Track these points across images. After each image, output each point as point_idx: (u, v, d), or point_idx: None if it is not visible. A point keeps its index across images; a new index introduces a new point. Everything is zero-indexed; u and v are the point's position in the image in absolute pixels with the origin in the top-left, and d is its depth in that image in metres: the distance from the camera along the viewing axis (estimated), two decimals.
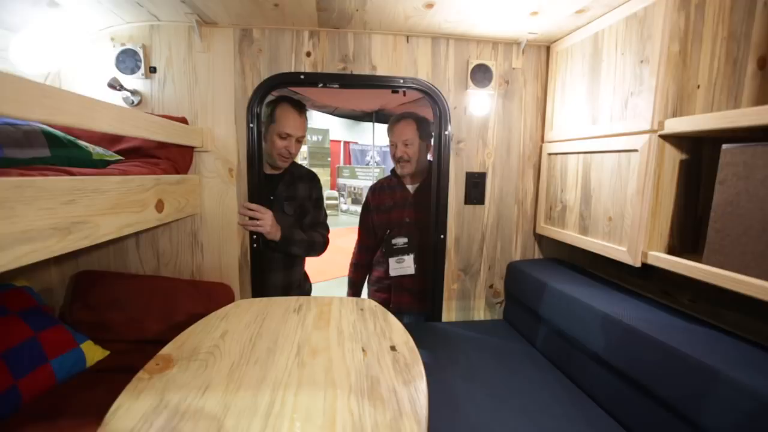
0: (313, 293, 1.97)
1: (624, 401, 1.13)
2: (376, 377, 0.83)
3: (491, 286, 1.91)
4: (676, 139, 1.16)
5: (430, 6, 1.38)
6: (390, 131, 1.88)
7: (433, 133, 1.81)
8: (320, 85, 1.67)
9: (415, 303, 1.91)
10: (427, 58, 1.70)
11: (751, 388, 0.79)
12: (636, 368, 1.07)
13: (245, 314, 1.14)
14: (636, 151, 1.22)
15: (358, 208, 10.26)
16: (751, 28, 1.17)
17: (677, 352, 0.96)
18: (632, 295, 1.37)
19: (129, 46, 1.53)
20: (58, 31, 1.44)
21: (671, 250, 1.21)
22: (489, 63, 1.70)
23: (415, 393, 0.78)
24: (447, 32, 1.65)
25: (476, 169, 1.80)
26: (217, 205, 1.66)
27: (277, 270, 1.77)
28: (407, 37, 1.67)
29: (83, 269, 1.63)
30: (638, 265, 1.22)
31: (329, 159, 11.06)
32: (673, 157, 1.18)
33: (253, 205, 1.62)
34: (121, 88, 1.52)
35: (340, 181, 11.14)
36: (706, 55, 1.16)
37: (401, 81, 1.69)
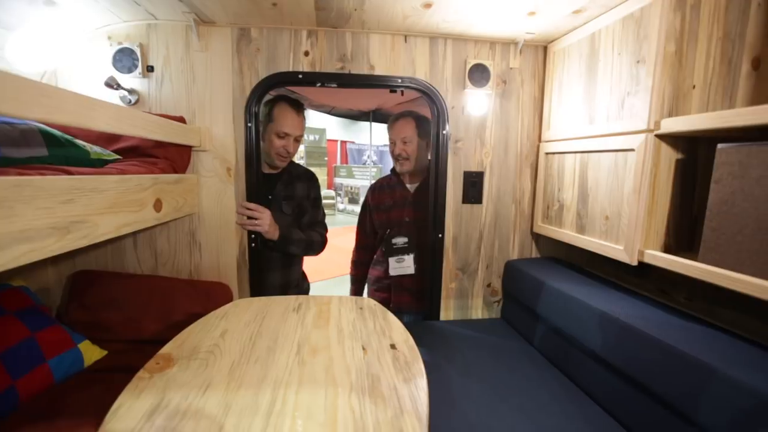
0: (311, 293, 1.97)
1: (621, 399, 1.14)
2: (376, 375, 0.83)
3: (489, 285, 1.92)
4: (672, 139, 1.18)
5: (428, 6, 1.39)
6: (390, 129, 1.89)
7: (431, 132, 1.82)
8: (318, 84, 1.67)
9: (415, 302, 1.92)
10: (425, 58, 1.70)
11: (748, 386, 0.80)
12: (633, 366, 1.08)
13: (245, 313, 1.14)
14: (632, 150, 1.23)
15: (355, 208, 10.28)
16: (746, 28, 1.18)
17: (674, 349, 0.97)
18: (629, 294, 1.38)
19: (126, 44, 1.52)
20: (55, 30, 1.44)
21: (667, 249, 1.22)
22: (487, 63, 1.71)
23: (415, 390, 0.79)
24: (445, 32, 1.65)
25: (474, 168, 1.81)
26: (215, 204, 1.66)
27: (275, 269, 1.77)
28: (405, 36, 1.68)
29: (80, 269, 1.62)
30: (635, 263, 1.23)
31: (326, 158, 11.04)
32: (669, 156, 1.19)
33: (252, 205, 1.62)
34: (118, 87, 1.51)
35: (337, 180, 11.14)
36: (701, 55, 1.17)
37: (399, 80, 1.69)
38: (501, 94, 1.79)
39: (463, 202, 1.82)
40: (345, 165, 11.91)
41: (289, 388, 0.78)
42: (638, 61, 1.22)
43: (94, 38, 1.54)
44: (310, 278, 2.01)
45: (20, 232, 0.71)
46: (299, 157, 9.78)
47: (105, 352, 1.41)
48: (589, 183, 1.46)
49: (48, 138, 1.02)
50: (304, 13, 1.48)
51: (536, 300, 1.56)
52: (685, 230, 1.24)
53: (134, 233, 1.61)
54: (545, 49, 1.77)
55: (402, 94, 2.60)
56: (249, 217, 1.62)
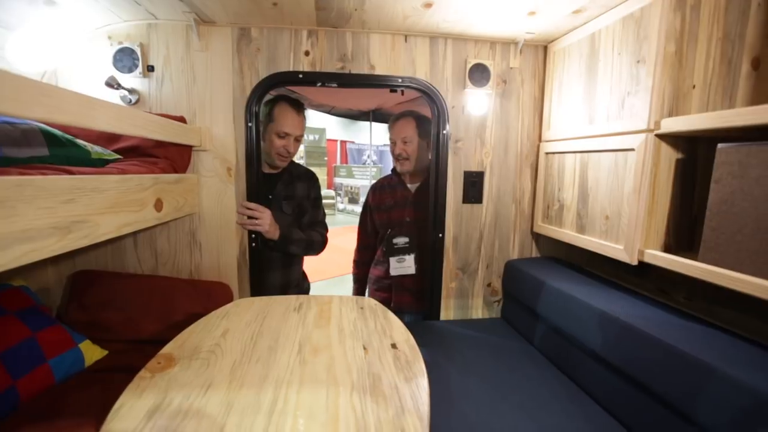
0: (311, 292, 1.97)
1: (621, 398, 1.14)
2: (377, 374, 0.83)
3: (489, 285, 1.92)
4: (672, 139, 1.18)
5: (428, 6, 1.39)
6: (390, 129, 1.89)
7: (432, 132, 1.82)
8: (319, 84, 1.67)
9: (416, 302, 1.92)
10: (425, 58, 1.71)
11: (748, 385, 0.80)
12: (633, 365, 1.09)
13: (246, 313, 1.14)
14: (632, 150, 1.23)
15: (355, 208, 10.28)
16: (746, 28, 1.19)
17: (674, 349, 0.97)
18: (629, 293, 1.38)
19: (126, 44, 1.52)
20: (55, 30, 1.44)
21: (667, 249, 1.22)
22: (487, 62, 1.71)
23: (416, 390, 0.79)
24: (445, 32, 1.65)
25: (474, 168, 1.81)
26: (215, 204, 1.66)
27: (275, 269, 1.77)
28: (405, 36, 1.68)
29: (80, 269, 1.62)
30: (635, 263, 1.23)
31: (326, 158, 11.04)
32: (669, 156, 1.19)
33: (252, 204, 1.62)
34: (119, 86, 1.51)
35: (337, 180, 11.14)
36: (701, 55, 1.17)
37: (399, 80, 1.69)
38: (501, 94, 1.79)
39: (464, 201, 1.82)
40: (345, 165, 11.91)
41: (291, 388, 0.78)
42: (638, 61, 1.22)
43: (95, 38, 1.54)
44: (310, 278, 2.01)
45: (22, 232, 0.71)
46: (299, 157, 9.78)
47: (105, 352, 1.41)
48: (589, 183, 1.46)
49: (49, 138, 1.02)
50: (305, 13, 1.48)
51: (536, 300, 1.56)
52: (685, 230, 1.24)
53: (134, 233, 1.62)
54: (545, 48, 1.77)
55: (402, 94, 2.60)
56: (249, 217, 1.62)
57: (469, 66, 1.71)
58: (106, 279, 1.58)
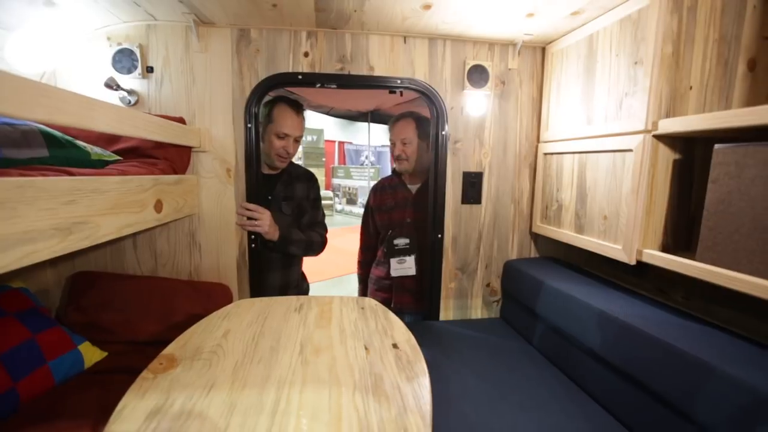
0: (310, 293, 1.97)
1: (621, 397, 1.15)
2: (379, 374, 0.84)
3: (488, 285, 1.93)
4: (670, 139, 1.19)
5: (427, 7, 1.40)
6: (390, 130, 1.90)
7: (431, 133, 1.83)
8: (318, 85, 1.67)
9: (416, 303, 1.92)
10: (424, 59, 1.71)
11: (746, 383, 0.81)
12: (632, 364, 1.09)
13: (247, 314, 1.14)
14: (630, 150, 1.24)
15: (353, 208, 10.27)
16: (741, 30, 1.20)
17: (673, 348, 0.98)
18: (627, 293, 1.39)
19: (126, 45, 1.52)
20: (54, 31, 1.43)
21: (665, 248, 1.23)
22: (485, 64, 1.72)
23: (418, 389, 0.79)
24: (444, 33, 1.66)
25: (473, 168, 1.82)
26: (215, 205, 1.66)
27: (275, 270, 1.77)
28: (404, 37, 1.68)
29: (80, 270, 1.61)
30: (633, 263, 1.24)
31: (324, 159, 11.03)
32: (667, 156, 1.20)
33: (252, 205, 1.62)
34: (118, 87, 1.51)
35: (335, 181, 11.13)
36: (698, 56, 1.18)
37: (398, 81, 1.70)
38: (500, 95, 1.80)
39: (463, 202, 1.83)
40: (343, 166, 11.90)
41: (293, 388, 0.78)
42: (636, 63, 1.23)
43: (94, 39, 1.54)
44: (309, 279, 2.01)
45: (23, 233, 0.71)
46: (297, 158, 9.77)
47: (105, 354, 1.41)
48: (588, 183, 1.47)
49: (49, 139, 1.02)
50: (304, 14, 1.48)
51: (535, 299, 1.57)
52: (682, 230, 1.25)
53: (134, 234, 1.61)
54: (543, 50, 1.78)
55: (401, 95, 2.61)
56: (249, 218, 1.62)
57: (467, 67, 1.72)
58: (105, 280, 1.58)
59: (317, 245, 1.77)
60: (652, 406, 1.04)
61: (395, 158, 1.88)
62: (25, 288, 1.40)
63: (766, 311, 1.07)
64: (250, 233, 1.68)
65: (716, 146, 1.00)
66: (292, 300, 1.26)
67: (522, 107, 1.82)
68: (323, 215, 1.90)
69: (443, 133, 1.75)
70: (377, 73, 1.69)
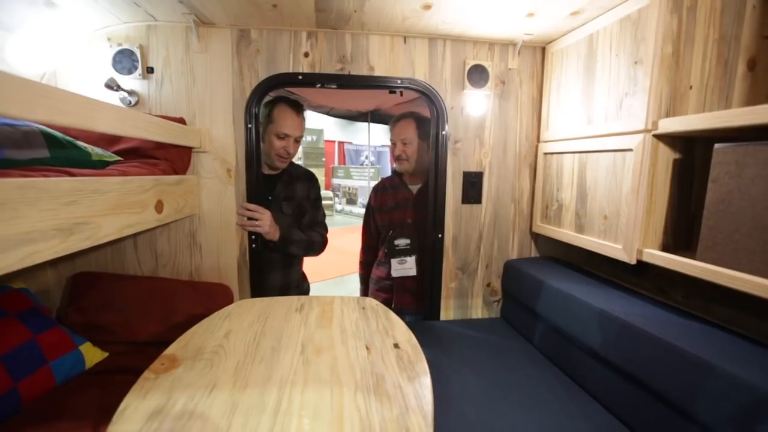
0: (311, 293, 1.97)
1: (621, 396, 1.15)
2: (381, 374, 0.84)
3: (489, 285, 1.93)
4: (670, 139, 1.19)
5: (427, 7, 1.40)
6: (391, 130, 1.90)
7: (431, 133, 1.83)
8: (318, 85, 1.67)
9: (417, 303, 1.93)
10: (424, 59, 1.71)
11: (746, 382, 0.81)
12: (633, 363, 1.10)
13: (248, 314, 1.14)
14: (630, 150, 1.25)
15: (353, 209, 10.27)
16: (741, 30, 1.20)
17: (673, 347, 0.98)
18: (627, 292, 1.40)
19: (126, 46, 1.52)
20: (55, 31, 1.43)
21: (665, 248, 1.23)
22: (485, 64, 1.72)
23: (420, 389, 0.80)
24: (444, 33, 1.66)
25: (473, 168, 1.82)
26: (215, 205, 1.66)
27: (275, 270, 1.77)
28: (405, 37, 1.69)
29: (80, 270, 1.61)
30: (633, 262, 1.24)
31: (324, 159, 11.03)
32: (667, 156, 1.20)
33: (252, 206, 1.62)
34: (119, 88, 1.51)
35: (335, 181, 11.13)
36: (698, 56, 1.18)
37: (399, 81, 1.70)
38: (500, 95, 1.80)
39: (463, 202, 1.83)
40: (343, 166, 11.90)
41: (295, 388, 0.78)
42: (636, 62, 1.24)
43: (94, 39, 1.54)
44: (309, 279, 2.01)
45: (25, 234, 0.71)
46: (297, 158, 9.75)
47: (106, 354, 1.41)
48: (588, 183, 1.47)
49: (49, 139, 1.02)
50: (304, 15, 1.48)
51: (536, 299, 1.57)
52: (682, 229, 1.25)
53: (134, 235, 1.61)
54: (543, 50, 1.78)
55: (401, 95, 2.61)
56: (249, 218, 1.62)
57: (467, 67, 1.72)
58: (105, 281, 1.58)
59: (318, 245, 1.78)
60: (653, 405, 1.04)
61: (396, 158, 1.89)
62: (25, 288, 1.40)
63: (767, 310, 1.07)
64: (250, 233, 1.68)
65: (716, 146, 1.00)
66: (293, 300, 1.26)
67: (522, 107, 1.82)
68: (324, 215, 1.90)
69: (443, 133, 1.75)
70: (377, 73, 1.69)
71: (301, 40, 1.63)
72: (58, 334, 1.30)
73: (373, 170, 10.46)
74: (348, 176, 10.86)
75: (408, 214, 1.91)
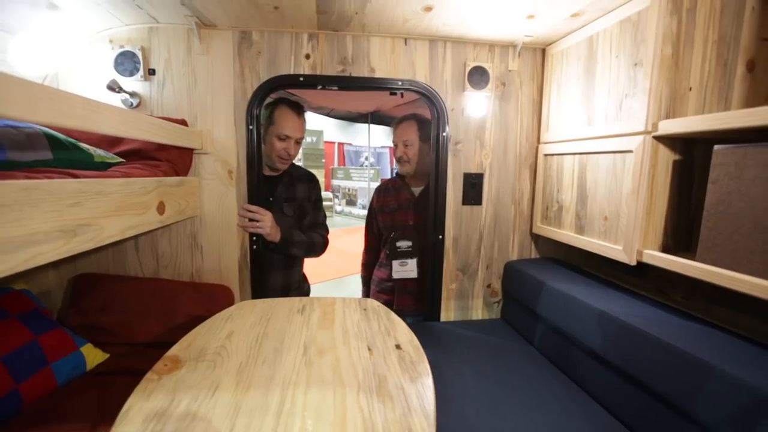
0: (311, 294, 1.97)
1: (622, 397, 1.15)
2: (383, 375, 0.84)
3: (489, 286, 1.93)
4: (670, 140, 1.20)
5: (428, 9, 1.40)
6: (393, 131, 1.91)
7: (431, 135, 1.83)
8: (319, 87, 1.68)
9: (418, 305, 1.93)
10: (424, 61, 1.72)
11: (746, 383, 0.82)
12: (633, 364, 1.10)
13: (250, 315, 1.14)
14: (630, 151, 1.25)
15: (353, 210, 10.27)
16: (740, 31, 1.21)
17: (673, 348, 0.99)
18: (627, 293, 1.40)
19: (128, 48, 1.53)
20: (57, 33, 1.44)
21: (665, 249, 1.24)
22: (486, 65, 1.73)
23: (422, 389, 0.80)
24: (444, 35, 1.67)
25: (474, 170, 1.83)
26: (216, 207, 1.66)
27: (276, 271, 1.77)
28: (405, 39, 1.69)
29: (81, 272, 1.62)
30: (633, 263, 1.25)
31: (323, 160, 11.04)
32: (667, 157, 1.21)
33: (253, 207, 1.62)
34: (120, 90, 1.51)
35: (335, 182, 11.13)
36: (697, 58, 1.19)
37: (399, 83, 1.71)
38: (500, 96, 1.80)
39: (463, 203, 1.84)
40: (342, 167, 11.90)
41: (298, 389, 0.78)
42: (636, 64, 1.24)
43: (96, 41, 1.55)
44: (308, 280, 2.01)
45: (30, 235, 0.72)
46: (296, 159, 9.75)
47: (107, 356, 1.42)
48: (588, 184, 1.48)
49: (52, 141, 1.03)
50: (306, 17, 1.49)
51: (536, 300, 1.58)
52: (682, 230, 1.26)
53: (136, 236, 1.62)
54: (543, 51, 1.79)
55: (402, 96, 2.62)
56: (250, 220, 1.62)
57: (468, 69, 1.72)
58: (107, 282, 1.58)
59: (319, 246, 1.78)
60: (653, 405, 1.04)
61: (397, 160, 1.89)
62: (27, 290, 1.40)
63: (766, 311, 1.07)
64: (251, 235, 1.68)
65: (716, 147, 1.00)
66: (294, 301, 1.27)
67: (522, 108, 1.83)
68: (324, 216, 1.91)
69: (444, 134, 1.75)
70: (378, 74, 1.70)
71: (303, 42, 1.63)
72: (59, 336, 1.30)
73: (372, 171, 10.47)
74: (348, 177, 10.86)
75: (410, 215, 1.91)
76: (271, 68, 1.63)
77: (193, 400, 0.74)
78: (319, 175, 10.42)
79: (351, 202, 10.52)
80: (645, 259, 1.21)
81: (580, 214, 1.53)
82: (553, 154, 1.72)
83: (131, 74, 1.54)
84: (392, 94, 1.86)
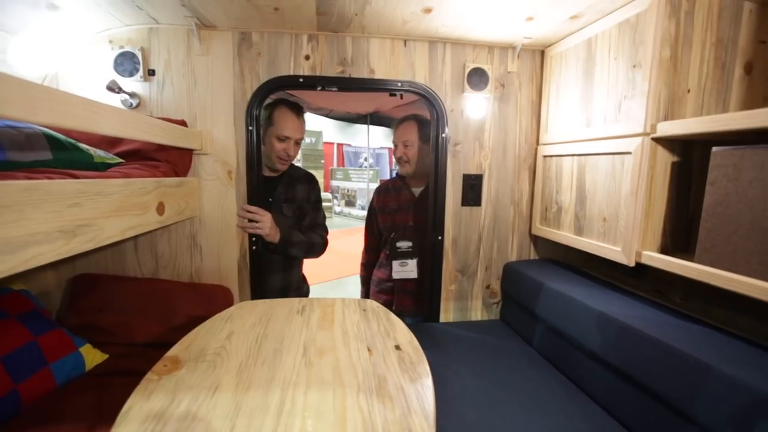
0: (310, 295, 1.97)
1: (620, 397, 1.16)
2: (383, 375, 0.84)
3: (488, 287, 1.93)
4: (668, 142, 1.20)
5: (428, 11, 1.41)
6: (394, 132, 1.92)
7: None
8: (319, 88, 1.68)
9: (417, 305, 1.93)
10: (424, 62, 1.73)
11: (745, 383, 0.82)
12: (631, 365, 1.10)
13: (249, 316, 1.14)
14: (629, 153, 1.26)
15: (352, 210, 10.27)
16: (738, 34, 1.22)
17: (672, 348, 0.99)
18: (626, 294, 1.40)
19: (127, 48, 1.53)
20: (57, 34, 1.44)
21: (664, 250, 1.24)
22: (485, 67, 1.74)
23: (421, 390, 0.80)
24: (444, 36, 1.67)
25: (473, 171, 1.83)
26: (216, 207, 1.66)
27: (275, 272, 1.77)
28: (405, 41, 1.70)
29: (80, 272, 1.61)
30: (632, 264, 1.25)
31: (322, 161, 11.04)
32: (665, 159, 1.21)
33: (253, 208, 1.62)
34: (120, 90, 1.51)
35: (334, 183, 11.13)
36: (695, 60, 1.20)
37: (399, 84, 1.71)
38: (499, 98, 1.81)
39: (463, 204, 1.84)
40: (342, 168, 11.91)
41: (298, 389, 0.79)
42: (634, 66, 1.25)
43: (96, 42, 1.55)
44: (307, 281, 2.01)
45: (30, 236, 0.72)
46: (295, 160, 9.74)
47: (106, 356, 1.41)
48: (587, 185, 1.48)
49: (52, 142, 1.03)
50: (305, 18, 1.49)
51: (535, 301, 1.58)
52: (681, 231, 1.26)
53: (135, 236, 1.61)
54: (542, 53, 1.79)
55: (401, 98, 2.62)
56: (250, 220, 1.62)
57: (467, 70, 1.73)
58: (106, 282, 1.58)
59: (318, 247, 1.78)
60: (652, 406, 1.04)
61: (397, 160, 1.90)
62: (26, 290, 1.40)
63: (764, 312, 1.08)
64: (251, 235, 1.68)
65: (714, 149, 1.01)
66: (294, 302, 1.27)
67: (521, 110, 1.84)
68: (324, 217, 1.91)
69: (443, 135, 1.76)
70: (378, 76, 1.70)
71: (302, 43, 1.64)
72: (58, 336, 1.30)
73: (371, 172, 10.47)
74: (347, 178, 10.86)
75: (410, 216, 1.92)
76: (270, 69, 1.63)
77: (193, 401, 0.74)
78: (318, 175, 10.41)
79: (350, 203, 10.52)
80: (644, 261, 1.22)
81: (579, 216, 1.54)
82: (552, 156, 1.72)
83: (131, 75, 1.54)
84: (392, 95, 1.86)
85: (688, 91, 1.20)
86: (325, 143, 11.66)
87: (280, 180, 1.76)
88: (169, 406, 0.72)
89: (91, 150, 1.17)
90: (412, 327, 1.18)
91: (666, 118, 1.19)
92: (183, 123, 1.57)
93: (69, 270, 1.62)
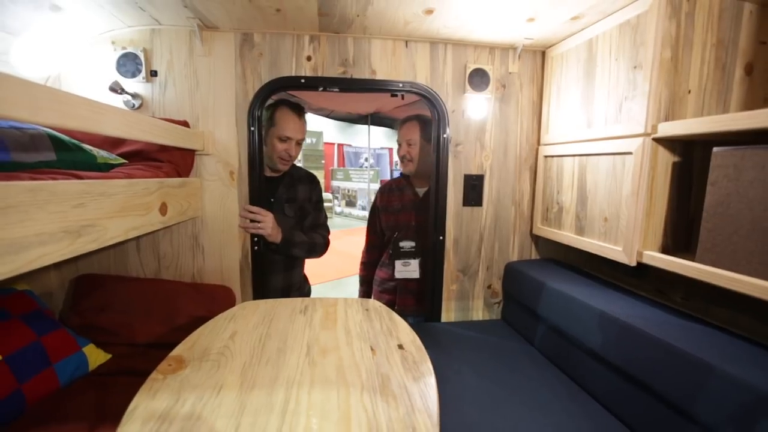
0: (312, 295, 1.98)
1: (622, 397, 1.16)
2: (386, 375, 0.85)
3: (489, 287, 1.94)
4: (669, 143, 1.21)
5: (429, 12, 1.41)
6: (398, 131, 1.93)
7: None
8: (320, 89, 1.69)
9: (419, 305, 1.93)
10: (425, 63, 1.73)
11: (746, 382, 0.83)
12: (633, 364, 1.11)
13: (252, 315, 1.15)
14: (630, 153, 1.26)
15: (353, 211, 10.27)
16: (739, 35, 1.22)
17: (673, 348, 0.99)
18: (627, 294, 1.41)
19: (130, 49, 1.53)
20: (59, 35, 1.44)
21: (665, 250, 1.25)
22: (486, 67, 1.74)
23: (425, 389, 0.81)
24: (445, 37, 1.68)
25: (474, 171, 1.83)
26: (218, 208, 1.67)
27: (277, 272, 1.78)
28: (406, 41, 1.70)
29: (83, 272, 1.62)
30: (633, 264, 1.26)
31: (323, 161, 11.05)
32: (666, 159, 1.22)
33: (255, 208, 1.63)
34: (122, 91, 1.52)
35: (334, 183, 11.13)
36: (696, 61, 1.20)
37: (400, 85, 1.72)
38: (500, 99, 1.82)
39: (464, 204, 1.84)
40: (342, 168, 11.91)
41: (302, 388, 0.79)
42: (635, 67, 1.25)
43: (98, 43, 1.55)
44: (309, 281, 2.02)
45: (35, 236, 0.72)
46: (296, 160, 9.75)
47: (109, 356, 1.42)
48: (588, 185, 1.49)
49: (56, 142, 1.03)
50: (307, 19, 1.50)
51: (536, 301, 1.59)
52: (682, 231, 1.27)
53: (137, 237, 1.61)
54: (543, 54, 1.80)
55: (402, 98, 2.62)
56: (252, 221, 1.63)
57: (468, 71, 1.73)
58: (108, 282, 1.59)
59: (320, 247, 1.78)
60: (654, 405, 1.05)
61: (400, 159, 1.91)
62: (29, 290, 1.40)
63: (765, 311, 1.08)
64: (252, 236, 1.69)
65: (715, 149, 1.02)
66: (296, 302, 1.27)
67: (522, 110, 1.84)
68: (325, 217, 1.91)
69: (444, 136, 1.76)
70: (379, 76, 1.70)
71: (304, 44, 1.64)
72: (61, 336, 1.31)
73: (372, 173, 10.48)
74: (347, 179, 10.86)
75: (413, 216, 1.92)
76: (272, 70, 1.63)
77: (198, 400, 0.74)
78: (319, 176, 10.42)
79: (350, 203, 10.53)
80: (645, 260, 1.22)
81: (580, 216, 1.54)
82: (553, 156, 1.73)
83: (133, 76, 1.54)
84: (393, 95, 1.87)
85: (689, 91, 1.21)
86: (325, 143, 11.67)
87: (281, 180, 1.76)
88: (174, 405, 0.72)
89: (95, 151, 1.18)
90: (414, 326, 1.19)
91: (667, 119, 1.20)
92: (185, 124, 1.57)
93: (72, 270, 1.63)
